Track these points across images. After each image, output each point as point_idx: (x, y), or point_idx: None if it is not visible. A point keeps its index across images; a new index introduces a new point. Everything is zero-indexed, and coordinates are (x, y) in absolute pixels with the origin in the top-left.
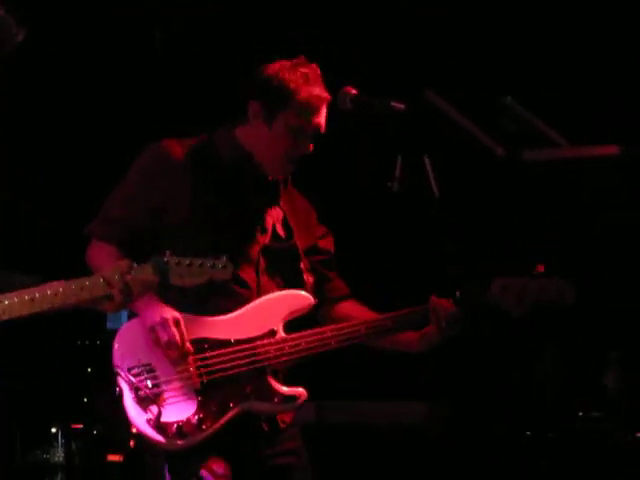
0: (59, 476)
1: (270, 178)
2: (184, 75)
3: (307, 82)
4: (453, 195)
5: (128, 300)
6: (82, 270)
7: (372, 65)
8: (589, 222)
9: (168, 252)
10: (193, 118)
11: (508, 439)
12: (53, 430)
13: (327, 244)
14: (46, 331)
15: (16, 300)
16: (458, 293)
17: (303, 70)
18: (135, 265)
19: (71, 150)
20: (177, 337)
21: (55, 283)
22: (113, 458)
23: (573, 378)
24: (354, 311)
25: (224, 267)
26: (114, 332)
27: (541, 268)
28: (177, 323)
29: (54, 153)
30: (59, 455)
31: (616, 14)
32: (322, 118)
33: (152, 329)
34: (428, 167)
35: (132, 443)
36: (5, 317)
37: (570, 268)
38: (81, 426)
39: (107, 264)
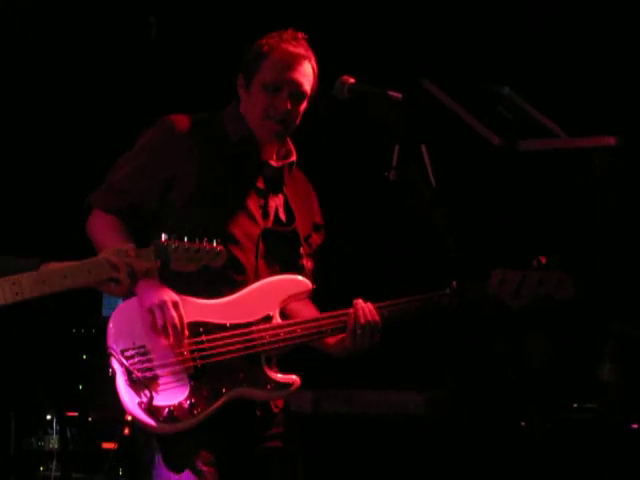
0: (54, 463)
1: (275, 163)
2: (179, 61)
3: (281, 41)
4: (450, 184)
5: (134, 283)
6: (77, 253)
7: (369, 54)
8: (586, 212)
9: (164, 236)
10: (188, 103)
11: (511, 429)
12: (48, 417)
13: (317, 239)
14: (42, 319)
15: (29, 281)
16: (455, 284)
17: (280, 34)
18: (138, 249)
19: (66, 136)
20: (176, 320)
21: (57, 264)
22: (108, 445)
23: (568, 369)
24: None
25: (218, 253)
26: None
27: (542, 259)
28: (175, 306)
29: (49, 139)
30: (54, 442)
31: (611, 5)
32: (297, 74)
33: (150, 311)
34: (425, 156)
35: (127, 431)
36: (19, 298)
37: (569, 259)
38: (76, 414)
39: (110, 236)
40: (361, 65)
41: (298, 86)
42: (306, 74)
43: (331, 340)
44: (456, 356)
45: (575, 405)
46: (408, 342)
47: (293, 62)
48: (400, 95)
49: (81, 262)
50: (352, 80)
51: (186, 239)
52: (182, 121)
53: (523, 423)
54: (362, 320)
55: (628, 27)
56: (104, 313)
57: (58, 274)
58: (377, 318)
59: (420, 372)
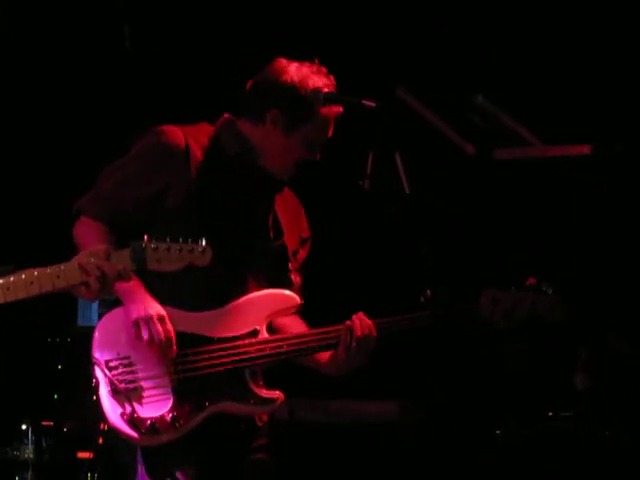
0: (29, 473)
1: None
2: (154, 68)
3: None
4: (424, 192)
5: (105, 288)
6: (54, 259)
7: (344, 63)
8: (561, 221)
9: (146, 236)
10: (164, 111)
11: (479, 437)
12: (23, 427)
13: (303, 252)
14: (16, 328)
15: None
16: (429, 292)
17: (324, 80)
18: (113, 251)
19: (42, 143)
20: (161, 336)
21: (29, 271)
22: (83, 455)
23: (543, 377)
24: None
25: (202, 252)
26: (85, 329)
27: (532, 281)
28: (162, 320)
29: (25, 145)
30: (29, 452)
31: (588, 12)
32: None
33: (135, 324)
34: (399, 165)
35: (101, 440)
36: None
37: (548, 271)
38: (51, 423)
39: (97, 243)
40: (336, 73)
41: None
42: None
43: (323, 357)
44: (432, 365)
45: (551, 414)
46: (383, 351)
47: (334, 120)
48: (374, 104)
49: (51, 267)
50: (327, 89)
51: (168, 239)
52: (175, 132)
53: (498, 432)
54: (359, 333)
55: (601, 35)
56: (79, 322)
57: (23, 281)
58: (374, 334)
59: (394, 381)
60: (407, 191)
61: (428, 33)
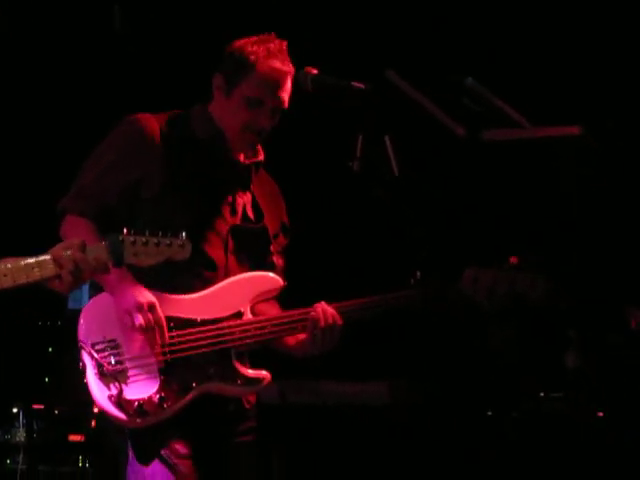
0: (20, 456)
1: (242, 161)
2: (144, 53)
3: (268, 55)
4: (414, 175)
5: (79, 281)
6: (35, 247)
7: (333, 45)
8: (552, 204)
9: (125, 230)
10: (153, 97)
11: (470, 418)
12: (14, 410)
13: (284, 239)
14: (6, 311)
15: None
16: (418, 274)
17: (267, 44)
18: (88, 245)
19: (28, 131)
20: (152, 324)
21: (4, 261)
22: (74, 438)
23: (533, 358)
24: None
25: (181, 246)
26: (75, 312)
27: (514, 260)
28: (152, 308)
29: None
30: (20, 435)
31: None
32: (282, 92)
33: (128, 313)
34: (389, 147)
35: (93, 423)
36: None
37: (538, 254)
38: (42, 406)
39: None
40: (324, 56)
41: (281, 103)
42: (288, 90)
43: (291, 341)
44: (420, 347)
45: (542, 394)
46: (371, 333)
47: (279, 80)
48: (363, 86)
49: (25, 259)
50: (315, 71)
51: (147, 232)
52: (148, 120)
53: (489, 413)
54: (322, 324)
55: (592, 16)
56: (70, 305)
57: None
58: (339, 322)
59: (384, 362)
60: (396, 174)
61: (417, 15)
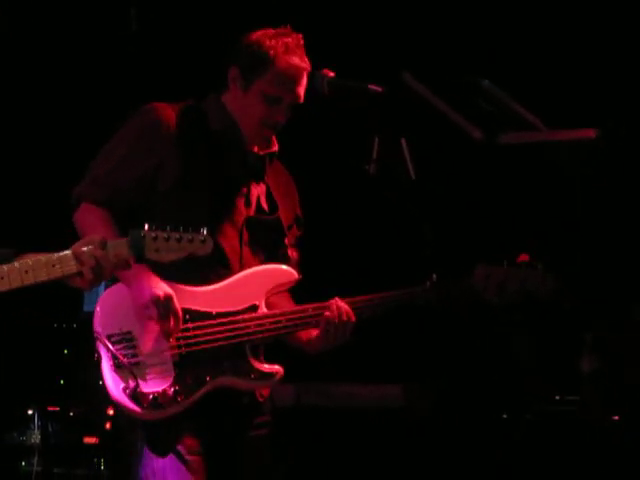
0: (35, 458)
1: (256, 152)
2: (159, 53)
3: (287, 51)
4: (430, 178)
5: (100, 277)
6: (55, 242)
7: (350, 47)
8: (566, 206)
9: (147, 225)
10: (169, 94)
11: (484, 421)
12: (29, 412)
13: (298, 231)
14: (22, 313)
15: None
16: (434, 276)
17: (285, 39)
18: (109, 241)
19: (44, 128)
20: (169, 316)
21: (24, 257)
22: (89, 440)
23: (549, 361)
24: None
25: (203, 242)
26: (90, 315)
27: (525, 257)
28: (169, 300)
29: (25, 131)
30: (35, 437)
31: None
32: (300, 88)
33: (144, 305)
34: (405, 150)
35: (108, 425)
36: None
37: (551, 254)
38: (57, 408)
39: (96, 229)
40: (341, 59)
41: (297, 98)
42: (304, 85)
43: (303, 335)
44: (435, 348)
45: (557, 397)
46: (387, 335)
47: (297, 76)
48: (380, 89)
49: (46, 256)
50: (332, 74)
51: (169, 227)
52: (164, 109)
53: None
54: (337, 320)
55: (605, 19)
56: (85, 308)
57: (17, 270)
58: (353, 318)
59: (399, 365)
60: (412, 177)
61: (434, 17)
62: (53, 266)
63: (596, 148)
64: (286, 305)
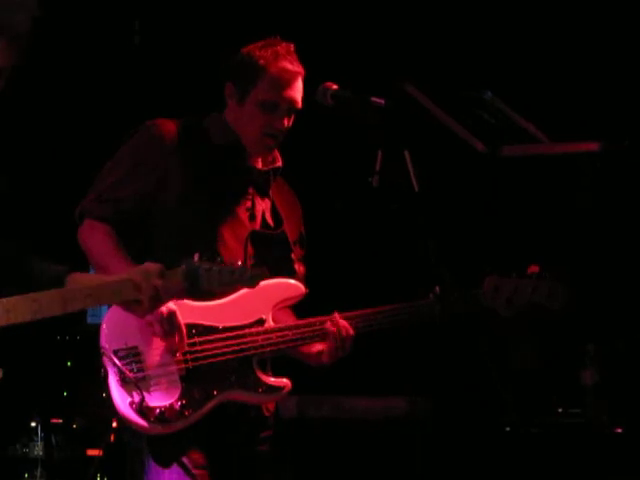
0: (38, 470)
1: (260, 167)
2: (162, 66)
3: (277, 57)
4: (434, 190)
5: (156, 306)
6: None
7: (352, 60)
8: (570, 217)
9: (197, 256)
10: (172, 108)
11: (490, 434)
12: (33, 424)
13: (300, 250)
14: (26, 326)
15: (50, 300)
16: (437, 289)
17: (274, 47)
18: (165, 270)
19: (49, 138)
20: (172, 332)
21: (80, 276)
22: (92, 453)
23: (551, 374)
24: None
25: (251, 278)
26: (94, 327)
27: (535, 269)
28: (172, 316)
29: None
30: (38, 449)
31: (597, 8)
32: (295, 92)
33: (147, 321)
34: (408, 162)
35: (112, 438)
36: (39, 316)
37: (556, 265)
38: (61, 421)
39: (107, 250)
40: (344, 71)
41: (295, 103)
42: (300, 90)
43: (306, 349)
44: (439, 360)
45: (560, 410)
46: (391, 348)
47: (291, 80)
48: (383, 101)
49: (105, 281)
50: (335, 86)
51: (219, 259)
52: (166, 124)
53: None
54: (342, 334)
55: (607, 32)
56: (89, 320)
57: (81, 293)
58: (351, 333)
59: (403, 377)
60: (416, 189)
61: (437, 30)
62: (113, 293)
63: (599, 160)
64: (288, 319)
